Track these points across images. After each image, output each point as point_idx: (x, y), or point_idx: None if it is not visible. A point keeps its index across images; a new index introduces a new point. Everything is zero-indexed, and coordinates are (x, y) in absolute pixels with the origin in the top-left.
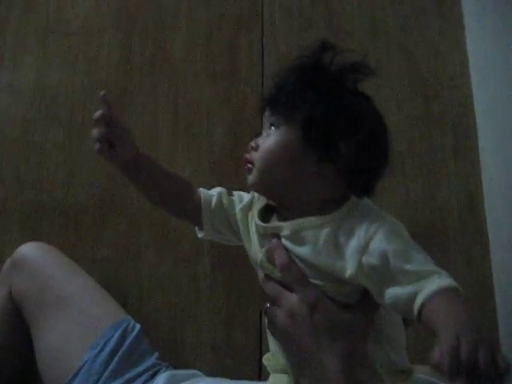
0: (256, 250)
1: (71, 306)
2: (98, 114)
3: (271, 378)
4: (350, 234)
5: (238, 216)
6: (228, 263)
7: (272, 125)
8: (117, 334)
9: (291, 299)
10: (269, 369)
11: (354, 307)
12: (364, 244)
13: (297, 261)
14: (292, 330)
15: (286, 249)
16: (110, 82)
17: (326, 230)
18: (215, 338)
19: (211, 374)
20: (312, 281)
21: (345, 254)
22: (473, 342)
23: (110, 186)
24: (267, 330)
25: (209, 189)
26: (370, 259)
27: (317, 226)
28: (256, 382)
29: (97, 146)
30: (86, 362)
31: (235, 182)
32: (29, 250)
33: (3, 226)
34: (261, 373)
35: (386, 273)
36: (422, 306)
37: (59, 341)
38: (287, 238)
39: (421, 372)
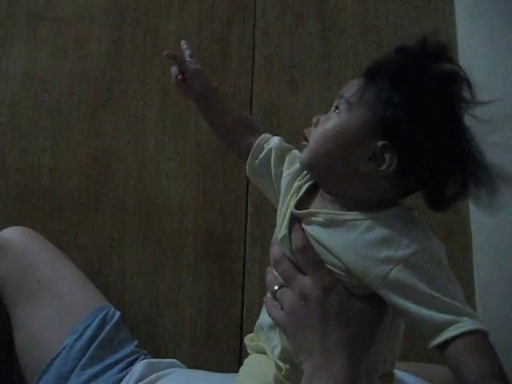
0: (283, 223)
1: (52, 291)
2: (173, 52)
3: (250, 357)
4: (387, 241)
5: (283, 180)
6: (211, 255)
7: (336, 107)
8: (96, 321)
9: (304, 281)
10: (249, 349)
11: (368, 298)
12: (401, 257)
13: (322, 249)
14: (302, 312)
15: (315, 235)
16: (99, 70)
17: (361, 228)
18: (196, 328)
19: (191, 364)
20: (329, 267)
21: (374, 258)
22: None
23: (96, 173)
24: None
25: (195, 179)
26: (402, 275)
27: (353, 221)
28: (232, 374)
29: (173, 79)
30: (65, 347)
31: (221, 173)
32: (11, 234)
33: None
34: (240, 364)
35: (413, 292)
36: (454, 338)
37: (38, 326)
38: (319, 224)
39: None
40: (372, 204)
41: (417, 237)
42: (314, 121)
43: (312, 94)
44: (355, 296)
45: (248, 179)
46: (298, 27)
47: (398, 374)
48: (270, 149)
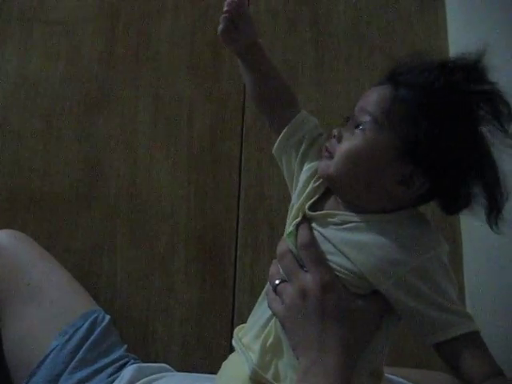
0: (293, 220)
1: (42, 294)
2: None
3: (231, 356)
4: (401, 243)
5: (303, 175)
6: (202, 259)
7: (360, 124)
8: (86, 324)
9: (305, 277)
10: (234, 343)
11: (367, 297)
12: (414, 262)
13: (332, 248)
14: (300, 309)
15: (328, 237)
16: (91, 73)
17: (376, 230)
18: (186, 333)
19: (181, 369)
20: (334, 266)
21: (388, 259)
22: None
23: (87, 176)
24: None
25: (187, 183)
26: (413, 278)
27: (368, 223)
28: None
29: (221, 26)
30: (53, 349)
31: (213, 178)
32: (1, 237)
33: None
34: None
35: (420, 295)
36: (455, 338)
37: (27, 329)
38: (335, 224)
39: (392, 373)
40: (387, 209)
41: (430, 242)
42: (336, 134)
43: (304, 99)
44: (354, 295)
45: (240, 184)
46: (291, 32)
47: (386, 376)
48: (304, 135)
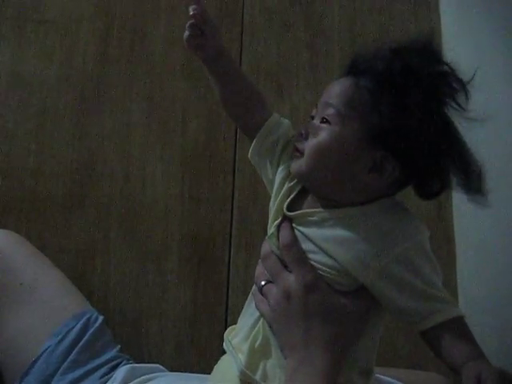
0: (274, 222)
1: (34, 295)
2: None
3: (223, 357)
4: (381, 234)
5: (278, 176)
6: (196, 259)
7: (325, 118)
8: (79, 325)
9: (288, 278)
10: (224, 344)
11: (351, 295)
12: (395, 252)
13: (314, 247)
14: (285, 309)
15: (309, 236)
16: (85, 73)
17: (355, 223)
18: (179, 333)
19: (174, 369)
20: (318, 266)
21: (369, 251)
22: (495, 374)
23: (81, 177)
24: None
25: (181, 183)
26: (395, 268)
27: (347, 218)
28: None
29: (187, 32)
30: (46, 350)
31: (207, 178)
32: None
33: None
34: None
35: (403, 284)
36: (441, 324)
37: (20, 329)
38: (315, 223)
39: (384, 374)
40: (364, 200)
41: (410, 229)
42: (303, 131)
43: (298, 100)
44: (338, 293)
45: (234, 185)
46: (286, 34)
47: (376, 376)
48: (277, 138)
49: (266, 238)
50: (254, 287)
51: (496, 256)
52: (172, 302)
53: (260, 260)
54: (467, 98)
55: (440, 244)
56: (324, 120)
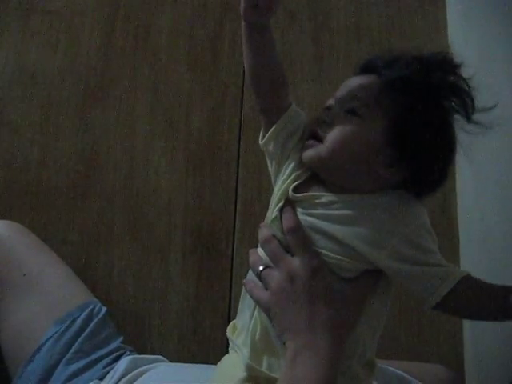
0: (276, 206)
1: (38, 286)
2: None
3: (226, 357)
4: (391, 216)
5: (286, 165)
6: (199, 252)
7: (352, 109)
8: (82, 315)
9: (292, 262)
10: (231, 341)
11: (353, 280)
12: (404, 231)
13: (320, 233)
14: (289, 292)
15: (315, 219)
16: (90, 65)
17: (364, 206)
18: (182, 325)
19: (177, 361)
20: (323, 252)
21: (380, 231)
22: None
23: (84, 168)
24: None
25: (185, 175)
26: (404, 245)
27: (356, 201)
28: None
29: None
30: (50, 338)
31: (211, 170)
32: None
33: None
34: None
35: (412, 258)
36: (457, 285)
37: (23, 320)
38: (323, 205)
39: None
40: (372, 190)
41: (416, 210)
42: (327, 119)
43: (303, 93)
44: (340, 279)
45: (238, 176)
46: (291, 26)
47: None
48: (295, 128)
49: (266, 222)
50: (247, 276)
51: (500, 252)
52: (175, 294)
53: (252, 249)
54: (473, 110)
55: (443, 239)
56: (351, 111)
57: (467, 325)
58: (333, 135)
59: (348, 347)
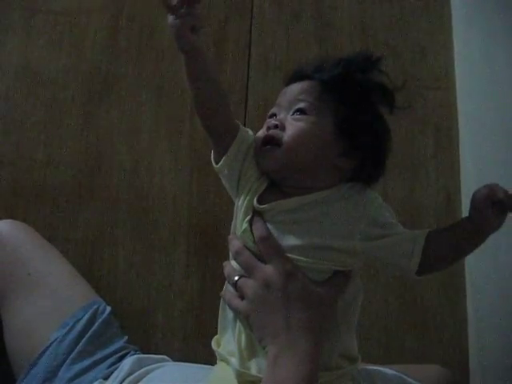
0: (244, 218)
1: (42, 285)
2: None
3: (216, 367)
4: (355, 204)
5: (247, 179)
6: (203, 251)
7: (300, 110)
8: (87, 316)
9: (266, 270)
10: (217, 354)
11: (325, 282)
12: (369, 213)
13: (290, 237)
14: (265, 299)
15: (283, 224)
16: (94, 64)
17: (330, 201)
18: (187, 324)
19: (181, 360)
20: (289, 255)
21: (351, 219)
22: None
23: (89, 167)
24: (221, 311)
25: (189, 175)
26: (372, 226)
27: (320, 199)
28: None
29: (178, 19)
30: (54, 341)
31: (216, 172)
32: (3, 227)
33: None
34: None
35: (382, 233)
36: (429, 234)
37: (28, 319)
38: (290, 211)
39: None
40: (331, 184)
41: (371, 196)
42: (277, 123)
43: None
44: (312, 281)
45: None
46: (295, 25)
47: (379, 368)
48: (248, 147)
49: (236, 235)
50: (224, 289)
51: (505, 253)
52: (179, 294)
53: (225, 261)
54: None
55: None
56: (300, 111)
57: (472, 325)
58: (289, 133)
59: (326, 343)
